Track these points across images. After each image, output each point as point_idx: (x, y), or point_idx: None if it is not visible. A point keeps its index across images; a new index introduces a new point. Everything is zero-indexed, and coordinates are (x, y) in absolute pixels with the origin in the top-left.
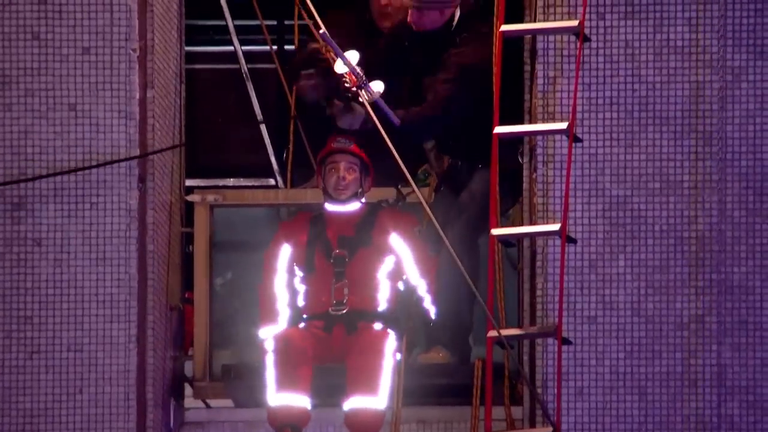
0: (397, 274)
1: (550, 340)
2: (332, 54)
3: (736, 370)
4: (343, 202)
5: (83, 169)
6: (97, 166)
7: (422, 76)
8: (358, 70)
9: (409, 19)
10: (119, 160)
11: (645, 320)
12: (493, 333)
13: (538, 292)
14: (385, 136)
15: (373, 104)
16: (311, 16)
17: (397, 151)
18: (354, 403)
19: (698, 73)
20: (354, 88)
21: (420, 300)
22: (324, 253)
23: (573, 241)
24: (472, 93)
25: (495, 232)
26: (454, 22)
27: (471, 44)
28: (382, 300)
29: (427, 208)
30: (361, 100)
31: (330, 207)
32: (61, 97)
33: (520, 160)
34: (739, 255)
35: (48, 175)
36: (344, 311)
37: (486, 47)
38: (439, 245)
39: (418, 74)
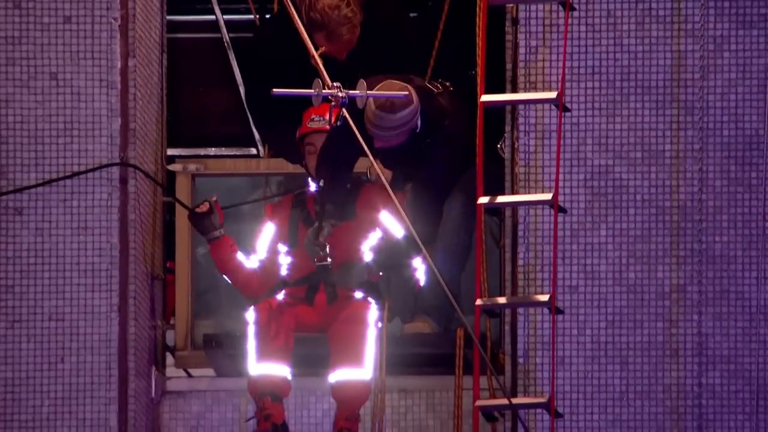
0: (380, 248)
1: (531, 310)
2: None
3: (717, 339)
4: None
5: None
6: (84, 171)
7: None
8: (332, 90)
9: (375, 145)
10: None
11: (626, 290)
12: (481, 302)
13: (520, 262)
14: (361, 140)
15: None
16: None
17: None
18: (340, 375)
19: (680, 43)
20: (342, 109)
21: (413, 271)
22: (306, 225)
23: (563, 210)
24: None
25: (482, 201)
26: (417, 128)
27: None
28: (366, 252)
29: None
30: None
31: (313, 188)
32: (42, 66)
33: (501, 153)
34: (721, 224)
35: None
36: (329, 262)
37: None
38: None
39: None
